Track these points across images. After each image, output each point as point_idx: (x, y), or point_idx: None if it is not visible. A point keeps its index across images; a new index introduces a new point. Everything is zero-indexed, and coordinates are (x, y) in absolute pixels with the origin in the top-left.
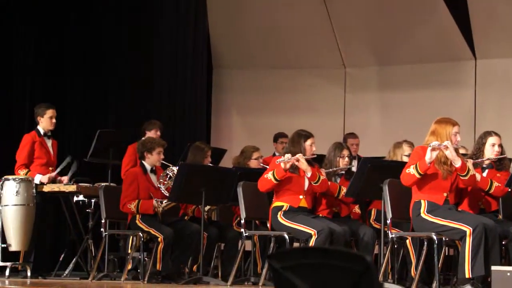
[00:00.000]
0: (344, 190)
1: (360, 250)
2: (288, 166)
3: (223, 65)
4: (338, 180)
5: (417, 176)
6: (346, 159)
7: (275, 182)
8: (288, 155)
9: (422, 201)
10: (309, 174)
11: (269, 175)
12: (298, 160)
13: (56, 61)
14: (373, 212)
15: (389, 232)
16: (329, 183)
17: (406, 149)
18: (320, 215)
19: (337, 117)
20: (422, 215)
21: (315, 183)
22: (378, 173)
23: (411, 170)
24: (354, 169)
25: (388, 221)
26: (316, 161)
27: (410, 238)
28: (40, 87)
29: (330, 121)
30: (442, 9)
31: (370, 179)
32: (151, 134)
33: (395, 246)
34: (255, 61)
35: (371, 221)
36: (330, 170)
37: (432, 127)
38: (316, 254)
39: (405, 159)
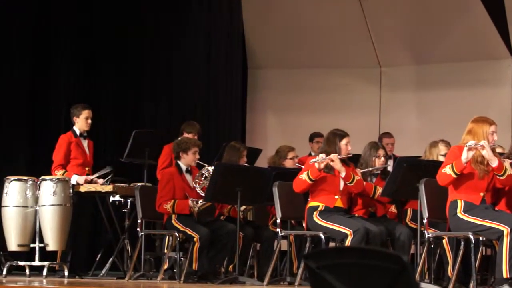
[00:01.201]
0: (379, 190)
1: (396, 250)
2: (322, 166)
3: (258, 65)
4: (374, 180)
5: (453, 176)
6: (382, 158)
7: (309, 182)
8: (322, 155)
9: (459, 201)
10: (343, 174)
11: (303, 176)
12: (332, 160)
13: (93, 62)
14: (409, 212)
15: (426, 231)
16: (364, 183)
17: (442, 149)
18: (356, 215)
19: (372, 116)
20: (459, 214)
21: (349, 183)
22: (414, 172)
23: (447, 170)
24: (389, 168)
25: (425, 221)
26: (352, 160)
27: (446, 238)
28: (76, 88)
29: (366, 121)
30: (478, 7)
31: (406, 178)
32: (189, 136)
33: (432, 246)
34: (290, 61)
35: (407, 220)
36: (366, 170)
37: (468, 126)
38: (353, 253)
39: (441, 158)
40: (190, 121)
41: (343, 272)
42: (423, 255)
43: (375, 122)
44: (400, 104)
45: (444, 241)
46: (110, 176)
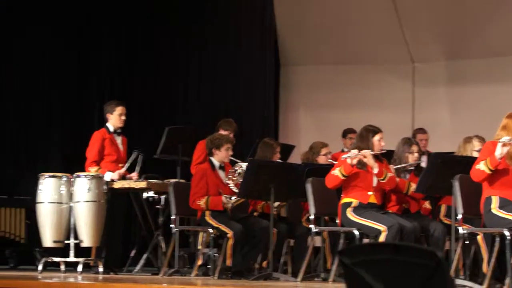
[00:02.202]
0: (413, 186)
1: (431, 246)
2: (354, 162)
3: (291, 62)
4: (408, 176)
5: (487, 172)
6: (416, 154)
7: (342, 178)
8: (354, 151)
9: (493, 197)
10: (375, 170)
11: (336, 171)
12: (364, 156)
13: (127, 59)
14: (443, 208)
15: (460, 228)
16: (397, 179)
17: (476, 144)
18: (390, 211)
19: (405, 112)
20: (493, 210)
21: (382, 180)
22: (448, 168)
23: (481, 166)
24: (423, 164)
25: (459, 217)
26: (385, 156)
27: (481, 234)
28: (110, 84)
29: (399, 117)
30: None
31: (440, 174)
32: (225, 134)
33: (466, 242)
34: (322, 58)
35: (441, 217)
36: (399, 166)
37: (503, 121)
38: (387, 250)
39: (475, 154)
40: (228, 118)
41: (377, 268)
42: (458, 251)
43: (408, 118)
44: (433, 99)
45: (479, 237)
46: (139, 161)
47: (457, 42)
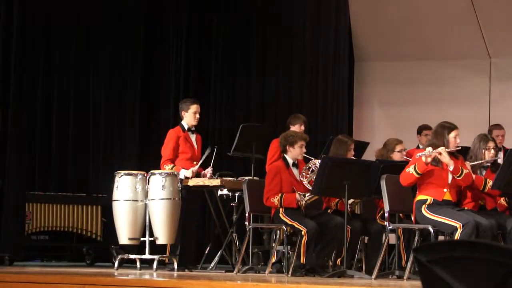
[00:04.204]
0: (490, 183)
1: (508, 243)
2: (429, 160)
3: (365, 58)
4: (484, 172)
5: None
6: (492, 151)
7: (416, 176)
8: (429, 149)
9: None
10: (451, 168)
11: (410, 169)
12: (440, 154)
13: (201, 58)
14: None
15: None
16: (473, 176)
17: None
18: (466, 208)
19: (482, 108)
20: None
21: (458, 176)
22: None
23: None
24: (500, 161)
25: None
26: (461, 153)
27: None
28: (185, 82)
29: (475, 113)
30: None
31: None
32: (296, 128)
33: None
34: (397, 53)
35: None
36: (476, 162)
37: None
38: (464, 247)
39: None
40: (296, 114)
41: (454, 266)
42: None
43: (484, 114)
44: (510, 95)
45: None
46: (213, 156)
47: None
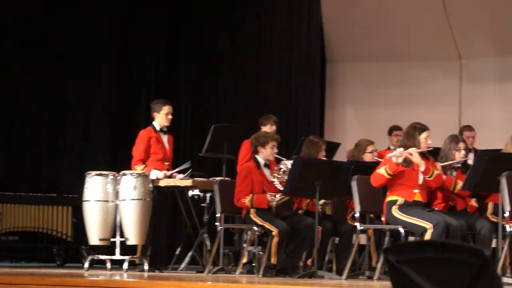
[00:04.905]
0: (460, 184)
1: (477, 244)
2: (400, 160)
3: (337, 59)
4: (454, 173)
5: None
6: (462, 152)
7: (387, 177)
8: (400, 149)
9: None
10: (422, 168)
11: (381, 170)
12: (411, 154)
13: (173, 58)
14: (490, 206)
15: (507, 225)
16: (444, 177)
17: None
18: (436, 209)
19: (452, 109)
20: None
21: (428, 177)
22: (495, 166)
23: None
24: (470, 162)
25: (506, 215)
26: (432, 154)
27: None
28: (156, 83)
29: (446, 114)
30: None
31: (487, 172)
32: (267, 128)
33: None
34: (368, 54)
35: (488, 214)
36: (446, 163)
37: None
38: (434, 248)
39: None
40: (267, 114)
41: (423, 266)
42: (504, 249)
43: (455, 115)
44: (481, 96)
45: None
46: (189, 171)
47: (507, 37)
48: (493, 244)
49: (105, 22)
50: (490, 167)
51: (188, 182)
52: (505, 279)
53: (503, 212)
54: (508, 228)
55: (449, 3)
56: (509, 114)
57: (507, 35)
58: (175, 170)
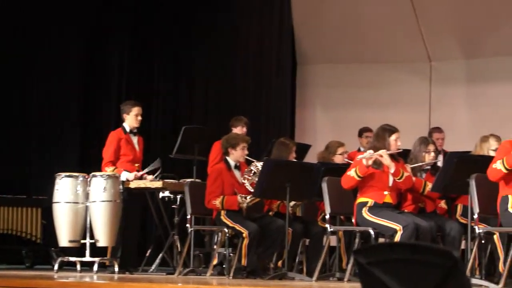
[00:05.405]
0: (429, 186)
1: (447, 245)
2: (370, 162)
3: (307, 61)
4: (424, 175)
5: (504, 171)
6: (432, 154)
7: (358, 179)
8: (370, 151)
9: (510, 196)
10: (392, 170)
11: (351, 172)
12: (381, 156)
13: (143, 60)
14: (459, 207)
15: (476, 227)
16: (413, 179)
17: (493, 144)
18: (406, 210)
19: (422, 111)
20: (510, 210)
21: (398, 179)
22: (464, 168)
23: (497, 165)
24: (439, 164)
25: (475, 216)
26: (402, 156)
27: (498, 234)
28: (126, 85)
29: (416, 116)
30: None
31: (457, 174)
32: (237, 130)
33: (483, 241)
34: (339, 56)
35: (457, 216)
36: (416, 165)
37: None
38: (403, 249)
39: (491, 153)
40: (238, 116)
41: (393, 268)
42: (474, 251)
43: (425, 117)
44: (450, 99)
45: (495, 236)
46: (159, 171)
47: (475, 40)
48: (462, 246)
49: (75, 23)
50: (459, 169)
51: (159, 184)
52: (474, 281)
53: (472, 214)
54: (477, 230)
55: (419, 6)
56: (478, 116)
57: (474, 38)
58: (145, 170)
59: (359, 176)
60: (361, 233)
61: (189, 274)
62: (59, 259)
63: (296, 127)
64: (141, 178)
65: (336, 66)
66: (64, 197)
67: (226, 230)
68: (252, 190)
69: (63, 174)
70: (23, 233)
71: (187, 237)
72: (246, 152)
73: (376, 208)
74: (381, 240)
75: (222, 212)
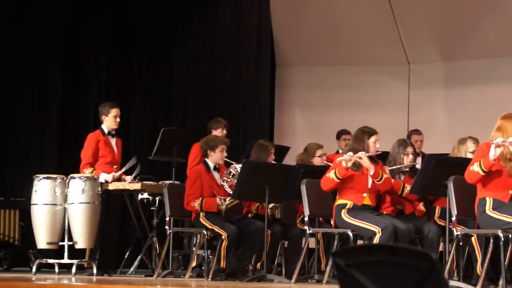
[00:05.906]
0: (408, 187)
1: (425, 247)
2: (349, 164)
3: (286, 63)
4: (402, 177)
5: (481, 173)
6: (410, 156)
7: (337, 181)
8: (349, 153)
9: (487, 198)
10: (371, 172)
11: (331, 174)
12: (360, 158)
13: (122, 61)
14: (437, 210)
15: (454, 229)
16: (392, 181)
17: (470, 146)
18: (384, 212)
19: (401, 113)
20: (488, 212)
21: (378, 181)
22: (442, 170)
23: (475, 167)
24: (418, 166)
25: (453, 218)
26: (381, 158)
27: (475, 236)
28: (105, 86)
29: (394, 118)
30: (508, 2)
31: (435, 176)
32: (217, 132)
33: (460, 243)
34: (318, 58)
35: (435, 218)
36: (394, 167)
37: (498, 123)
38: (382, 251)
39: (469, 155)
40: (217, 118)
41: (371, 270)
42: (452, 253)
43: (403, 119)
44: (429, 101)
45: (473, 238)
46: (138, 169)
47: (453, 43)
48: (441, 248)
49: (53, 23)
50: (437, 171)
51: (137, 186)
52: (452, 283)
53: (450, 216)
54: (455, 232)
55: (397, 9)
56: (456, 118)
57: (452, 41)
58: (122, 170)
59: (338, 178)
60: (340, 235)
61: (168, 276)
62: (37, 261)
63: (275, 129)
64: (119, 178)
65: (315, 69)
66: (42, 199)
67: (205, 232)
68: (231, 192)
69: (41, 175)
70: (0, 235)
71: (166, 239)
72: (225, 154)
73: (355, 210)
74: (360, 242)
75: (201, 214)
